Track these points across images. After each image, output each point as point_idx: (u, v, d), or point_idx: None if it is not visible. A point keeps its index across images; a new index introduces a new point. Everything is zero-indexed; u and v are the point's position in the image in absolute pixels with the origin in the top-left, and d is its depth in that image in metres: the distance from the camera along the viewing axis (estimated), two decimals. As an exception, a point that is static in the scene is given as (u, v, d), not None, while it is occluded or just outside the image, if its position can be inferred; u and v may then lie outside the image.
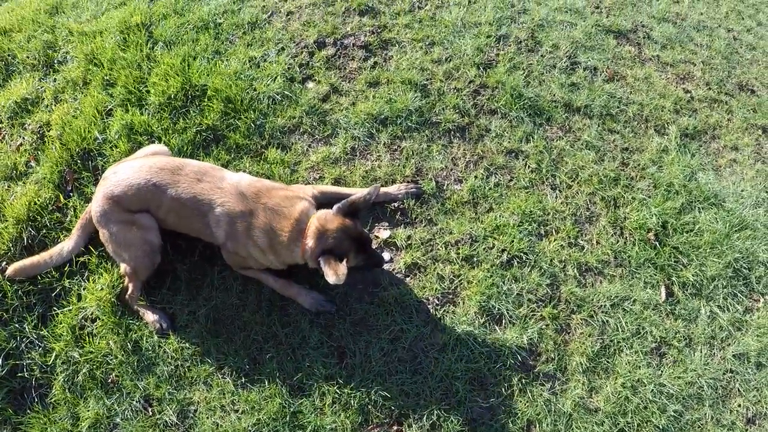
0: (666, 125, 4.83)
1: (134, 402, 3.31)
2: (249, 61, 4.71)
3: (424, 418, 3.23)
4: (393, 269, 3.75)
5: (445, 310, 3.60)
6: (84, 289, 3.62)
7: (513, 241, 3.85)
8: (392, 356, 3.43)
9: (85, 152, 4.17)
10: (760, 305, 3.88)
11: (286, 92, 4.48)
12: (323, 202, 3.51)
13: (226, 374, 3.38)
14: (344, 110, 4.44)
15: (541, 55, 5.09)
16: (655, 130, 4.78)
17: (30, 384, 3.39)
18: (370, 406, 3.26)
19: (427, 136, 4.36)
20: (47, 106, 4.55)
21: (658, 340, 3.64)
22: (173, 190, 3.35)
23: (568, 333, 3.62)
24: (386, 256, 3.73)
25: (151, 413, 3.29)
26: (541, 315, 3.63)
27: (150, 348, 3.45)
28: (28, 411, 3.31)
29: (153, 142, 4.11)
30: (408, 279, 3.72)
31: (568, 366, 3.49)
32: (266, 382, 3.33)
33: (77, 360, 3.42)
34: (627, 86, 5.07)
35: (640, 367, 3.51)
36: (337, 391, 3.29)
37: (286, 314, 3.56)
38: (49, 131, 4.34)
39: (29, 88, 4.66)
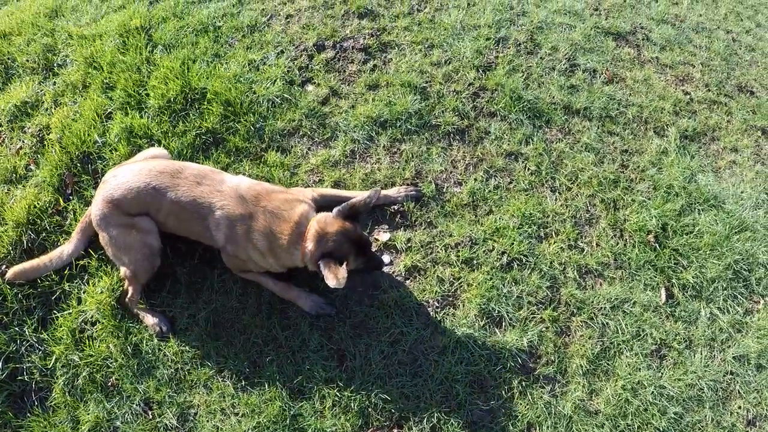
0: (665, 127, 4.84)
1: (134, 405, 3.30)
2: (248, 64, 4.72)
3: (425, 420, 3.23)
4: (393, 272, 3.74)
5: (445, 313, 3.60)
6: (84, 292, 3.62)
7: (513, 244, 3.85)
8: (392, 359, 3.43)
9: (85, 155, 4.17)
10: (760, 307, 3.88)
11: (285, 95, 4.48)
12: (323, 205, 3.51)
13: (226, 377, 3.38)
14: (344, 113, 4.44)
15: (541, 58, 5.09)
16: (654, 131, 4.78)
17: (30, 387, 3.39)
18: (370, 409, 3.25)
19: (426, 138, 4.36)
20: (47, 109, 4.55)
21: (658, 342, 3.64)
22: (173, 194, 3.35)
23: (568, 335, 3.62)
24: (386, 258, 3.73)
25: (151, 416, 3.28)
26: (541, 317, 3.63)
27: (150, 351, 3.45)
28: (29, 414, 3.30)
29: (153, 145, 4.11)
30: (408, 282, 3.72)
31: (569, 368, 3.48)
32: (266, 385, 3.33)
33: (77, 363, 3.42)
34: (626, 88, 5.08)
35: (640, 369, 3.51)
36: (337, 394, 3.29)
37: (286, 317, 3.55)
38: (48, 134, 4.34)
39: (29, 91, 4.66)
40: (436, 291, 3.66)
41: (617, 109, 4.84)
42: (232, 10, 5.21)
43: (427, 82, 4.69)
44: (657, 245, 4.00)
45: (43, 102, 4.60)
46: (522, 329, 3.55)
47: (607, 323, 3.66)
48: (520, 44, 5.15)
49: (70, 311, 3.56)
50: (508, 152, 4.36)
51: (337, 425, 3.20)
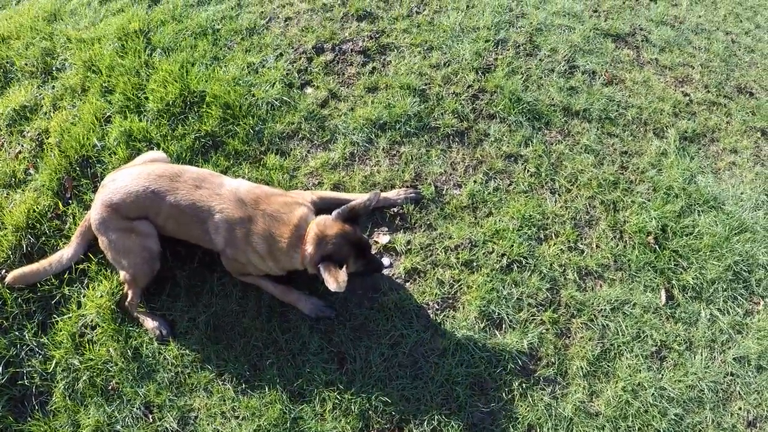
0: (665, 128, 4.84)
1: (135, 409, 3.30)
2: (247, 67, 4.72)
3: (425, 423, 3.23)
4: (393, 274, 3.74)
5: (445, 315, 3.60)
6: (84, 296, 3.62)
7: (513, 246, 3.85)
8: (392, 361, 3.42)
9: (84, 159, 4.18)
10: (761, 308, 3.88)
11: (284, 98, 4.48)
12: (322, 207, 3.50)
13: (227, 381, 3.37)
14: (343, 115, 4.44)
15: (540, 59, 5.09)
16: (654, 133, 4.78)
17: (30, 392, 3.39)
18: (370, 412, 3.25)
19: (426, 140, 4.36)
20: (46, 113, 4.55)
21: (659, 344, 3.63)
22: (172, 197, 3.35)
23: (569, 337, 3.62)
24: (386, 261, 3.73)
25: (151, 420, 3.28)
26: (541, 319, 3.63)
27: (150, 355, 3.45)
28: (29, 419, 3.30)
29: (152, 148, 4.11)
30: (408, 284, 3.72)
31: (569, 370, 3.48)
32: (266, 389, 3.32)
33: (77, 367, 3.41)
34: (626, 90, 5.08)
35: (640, 370, 3.51)
36: (338, 396, 3.28)
37: (286, 320, 3.55)
38: (47, 138, 4.34)
39: (28, 95, 4.66)
40: (436, 293, 3.65)
41: (617, 111, 4.84)
42: (231, 13, 5.21)
43: (426, 85, 4.69)
44: (657, 247, 4.00)
45: (42, 106, 4.61)
46: (522, 331, 3.55)
47: (608, 325, 3.65)
48: (519, 46, 5.16)
49: (70, 315, 3.56)
50: (507, 154, 4.36)
51: (337, 428, 3.20)
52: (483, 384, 3.38)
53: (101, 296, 3.56)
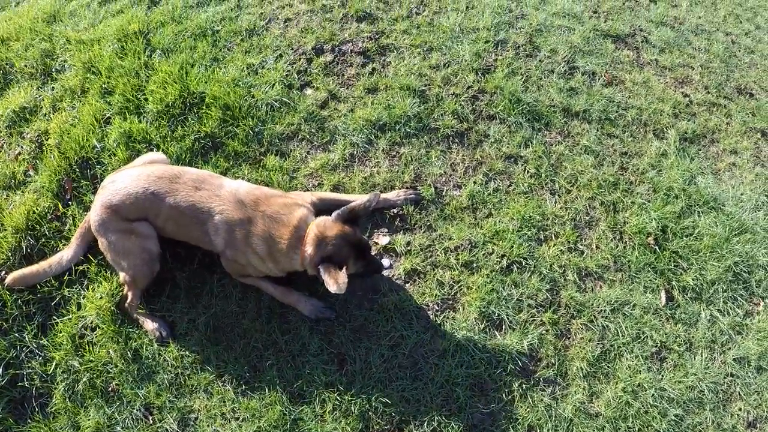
0: (665, 129, 4.84)
1: (135, 410, 3.30)
2: (247, 68, 4.72)
3: (425, 424, 3.23)
4: (392, 275, 3.74)
5: (445, 316, 3.60)
6: (83, 297, 3.62)
7: (512, 247, 3.85)
8: (392, 362, 3.42)
9: (84, 161, 4.18)
10: (761, 309, 3.88)
11: (284, 99, 4.48)
12: (322, 209, 3.51)
13: (227, 382, 3.37)
14: (343, 117, 4.44)
15: (540, 60, 5.09)
16: (654, 134, 4.78)
17: (30, 393, 3.39)
18: (370, 413, 3.25)
19: (425, 141, 4.36)
20: (45, 114, 4.55)
21: (659, 345, 3.63)
22: (171, 199, 3.35)
23: (569, 338, 3.61)
24: (386, 262, 3.72)
25: (151, 421, 3.28)
26: (541, 320, 3.63)
27: (150, 356, 3.45)
28: (29, 420, 3.30)
29: (151, 150, 4.11)
30: (408, 285, 3.71)
31: (569, 371, 3.48)
32: (266, 390, 3.32)
33: (77, 369, 3.41)
34: (625, 90, 5.08)
35: (640, 371, 3.51)
36: (338, 397, 3.28)
37: (286, 321, 3.55)
38: (47, 140, 4.34)
39: (27, 96, 4.66)
40: (436, 294, 3.65)
41: (616, 112, 4.84)
42: (231, 14, 5.21)
43: (426, 86, 4.69)
44: (657, 247, 4.00)
45: (42, 107, 4.61)
46: (522, 332, 3.55)
47: (608, 326, 3.65)
48: (519, 47, 5.16)
49: (70, 317, 3.56)
50: (507, 155, 4.36)
51: (337, 429, 3.20)
52: (483, 385, 3.38)
53: (101, 298, 3.56)
